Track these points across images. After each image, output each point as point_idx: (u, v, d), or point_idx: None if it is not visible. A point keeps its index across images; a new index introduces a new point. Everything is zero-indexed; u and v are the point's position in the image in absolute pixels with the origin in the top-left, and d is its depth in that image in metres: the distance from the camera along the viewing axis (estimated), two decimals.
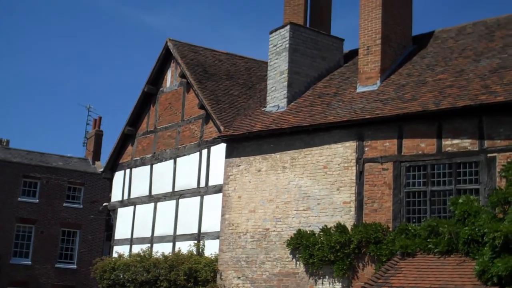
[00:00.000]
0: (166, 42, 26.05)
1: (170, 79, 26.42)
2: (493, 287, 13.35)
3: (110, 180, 29.12)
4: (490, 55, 18.05)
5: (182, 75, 25.01)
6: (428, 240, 15.65)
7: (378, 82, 19.32)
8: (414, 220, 16.70)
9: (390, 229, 16.85)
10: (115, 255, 26.77)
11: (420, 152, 16.86)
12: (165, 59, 26.46)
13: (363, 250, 17.14)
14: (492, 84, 16.43)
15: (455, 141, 16.32)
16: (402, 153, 17.17)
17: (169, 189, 24.90)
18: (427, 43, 20.58)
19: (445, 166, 16.45)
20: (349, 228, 17.56)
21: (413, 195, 16.86)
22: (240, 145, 20.94)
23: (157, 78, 26.87)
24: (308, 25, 22.88)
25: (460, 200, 15.34)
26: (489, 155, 15.71)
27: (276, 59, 21.53)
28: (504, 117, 15.63)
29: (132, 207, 26.94)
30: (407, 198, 16.93)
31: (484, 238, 13.95)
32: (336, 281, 17.70)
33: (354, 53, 21.77)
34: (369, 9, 20.04)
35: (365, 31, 19.98)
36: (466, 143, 16.14)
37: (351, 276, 17.41)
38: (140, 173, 26.90)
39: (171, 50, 25.72)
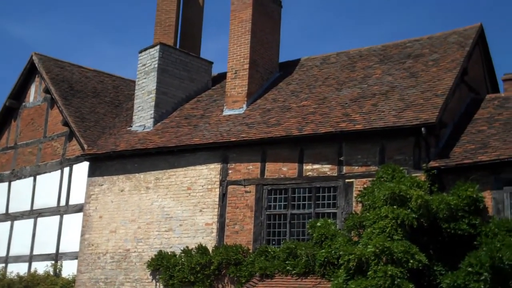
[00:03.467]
0: (31, 56, 25.28)
1: (33, 94, 25.62)
2: None
3: None
4: (351, 84, 18.76)
5: (47, 91, 24.32)
6: (287, 262, 15.91)
7: (245, 106, 19.59)
8: (274, 242, 16.96)
9: (251, 251, 17.02)
10: None
11: (282, 175, 17.20)
12: (30, 73, 25.64)
13: (223, 271, 17.20)
14: (352, 112, 17.05)
15: (316, 166, 16.78)
16: (265, 176, 17.46)
17: (27, 207, 24.00)
18: (293, 70, 21.12)
19: (305, 190, 16.86)
20: (210, 250, 17.59)
21: (274, 217, 17.15)
22: (104, 164, 20.56)
23: (20, 92, 25.96)
24: (178, 46, 22.92)
25: (318, 224, 15.74)
26: (347, 180, 16.25)
27: (145, 78, 21.39)
28: (362, 144, 16.25)
29: None
30: (268, 220, 17.19)
31: (340, 260, 14.33)
32: None
33: (222, 77, 22.00)
34: (239, 34, 20.37)
35: (234, 55, 20.28)
36: (326, 169, 16.62)
37: None
38: None
39: (36, 65, 24.97)
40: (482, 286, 13.07)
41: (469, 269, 13.30)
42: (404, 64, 18.85)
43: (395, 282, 13.13)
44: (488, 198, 14.71)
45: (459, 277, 13.39)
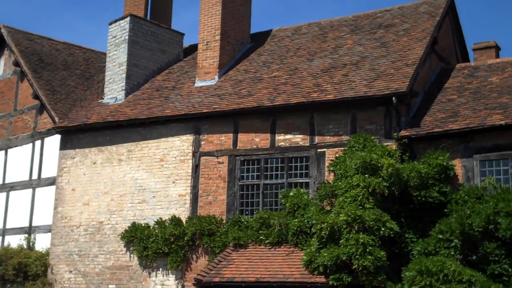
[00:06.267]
0: (0, 28, 24.93)
1: (3, 67, 25.30)
2: (319, 276, 13.91)
3: None
4: (323, 55, 18.80)
5: (16, 64, 24.02)
6: (260, 231, 16.05)
7: (216, 77, 19.56)
8: (247, 213, 17.08)
9: (224, 221, 17.12)
10: None
11: (254, 146, 17.26)
12: None
13: (197, 242, 17.29)
14: (323, 82, 17.11)
15: (288, 136, 16.85)
16: (237, 147, 17.51)
17: None
18: (265, 41, 21.09)
19: (278, 160, 16.94)
20: (184, 221, 17.66)
21: (247, 188, 17.24)
22: (75, 136, 20.46)
23: None
24: (149, 18, 22.75)
25: (291, 193, 15.86)
26: (319, 150, 16.36)
27: (115, 50, 21.24)
28: (333, 114, 16.34)
29: None
30: (241, 191, 17.27)
31: (312, 229, 14.48)
32: (169, 273, 17.73)
33: (194, 48, 21.91)
34: (209, 5, 20.28)
35: (205, 26, 20.20)
36: (298, 139, 16.71)
37: (185, 268, 17.51)
38: None
39: (5, 37, 24.62)
40: (452, 253, 13.30)
41: (440, 236, 13.54)
42: (375, 34, 18.91)
43: (367, 250, 13.31)
44: (458, 166, 14.91)
45: (429, 244, 13.63)
